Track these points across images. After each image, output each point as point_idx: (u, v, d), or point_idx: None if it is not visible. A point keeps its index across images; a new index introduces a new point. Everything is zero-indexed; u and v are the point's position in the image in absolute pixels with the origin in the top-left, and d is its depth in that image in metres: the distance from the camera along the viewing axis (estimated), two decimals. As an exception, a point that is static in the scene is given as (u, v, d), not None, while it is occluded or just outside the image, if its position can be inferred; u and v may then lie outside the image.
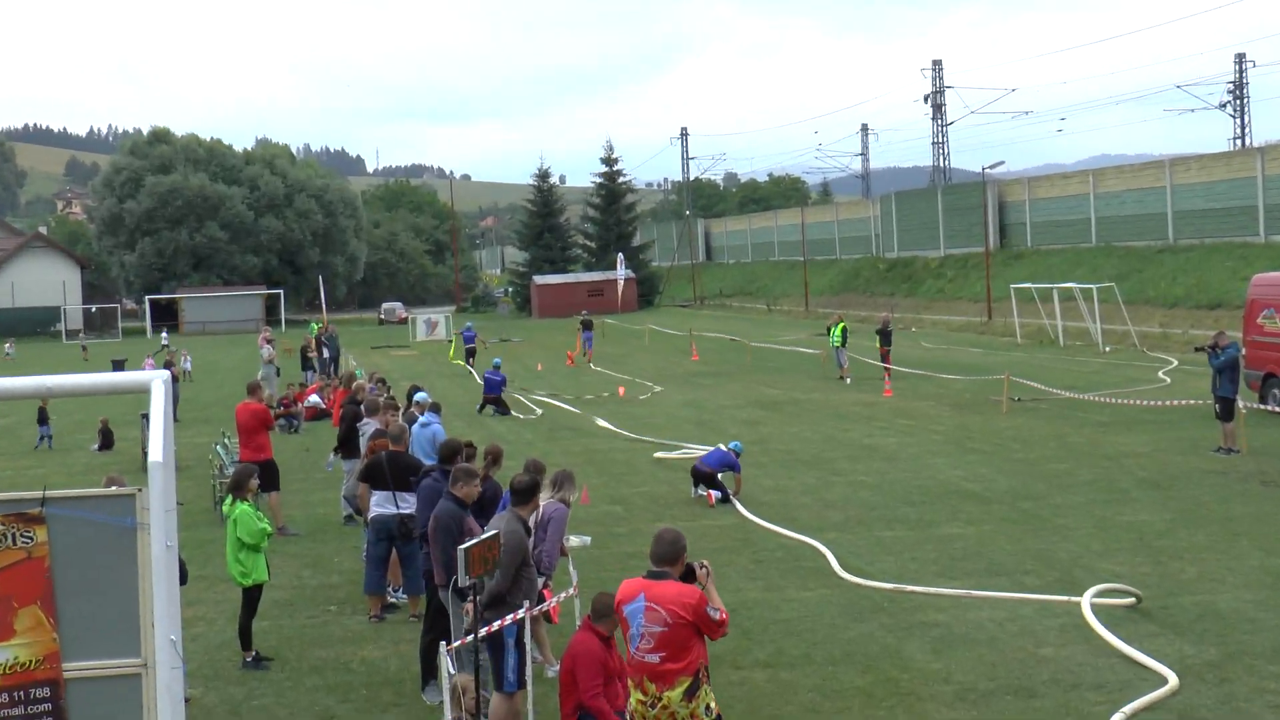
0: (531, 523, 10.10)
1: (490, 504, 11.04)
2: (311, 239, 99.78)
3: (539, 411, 30.87)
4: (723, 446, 19.10)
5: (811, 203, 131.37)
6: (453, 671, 8.51)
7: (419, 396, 17.84)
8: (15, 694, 6.46)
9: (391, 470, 12.59)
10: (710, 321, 72.33)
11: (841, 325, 36.23)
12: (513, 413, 30.44)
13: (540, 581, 10.13)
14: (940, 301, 65.48)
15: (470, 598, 8.90)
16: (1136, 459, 20.57)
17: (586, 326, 49.66)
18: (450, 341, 47.52)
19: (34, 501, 6.58)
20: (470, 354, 45.95)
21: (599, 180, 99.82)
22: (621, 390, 33.30)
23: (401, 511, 12.51)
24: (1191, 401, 24.80)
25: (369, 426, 15.67)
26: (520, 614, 9.06)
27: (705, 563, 7.48)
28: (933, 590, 12.98)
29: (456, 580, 8.91)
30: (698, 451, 22.44)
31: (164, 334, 65.81)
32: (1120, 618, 11.78)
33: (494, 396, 30.70)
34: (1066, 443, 22.54)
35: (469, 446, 12.14)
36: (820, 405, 29.70)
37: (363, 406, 16.43)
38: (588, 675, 8.44)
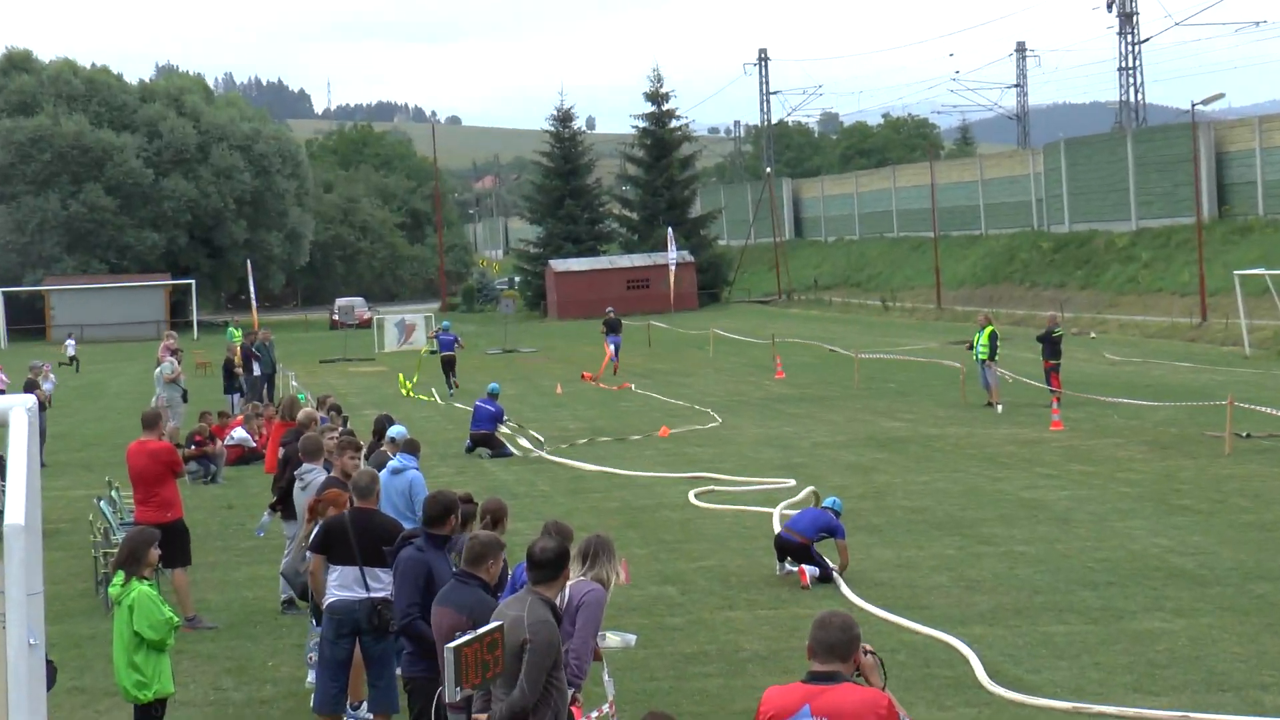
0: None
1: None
2: (236, 207, 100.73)
3: (544, 449, 31.09)
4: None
5: (945, 155, 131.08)
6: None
7: (394, 432, 17.84)
8: None
9: (359, 537, 12.52)
10: (801, 324, 72.17)
11: (989, 330, 36.08)
12: (514, 451, 30.57)
13: (568, 693, 10.04)
14: (1131, 295, 65.00)
15: (468, 715, 8.84)
16: None
17: (612, 329, 49.71)
18: (429, 353, 47.65)
19: None
20: (448, 366, 46.16)
21: (643, 125, 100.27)
22: (665, 430, 33.30)
23: (373, 595, 12.44)
24: None
25: (311, 475, 15.67)
26: (538, 740, 8.98)
27: (870, 648, 7.34)
28: (1128, 711, 12.82)
29: (443, 695, 8.84)
30: (749, 488, 22.72)
31: (69, 340, 65.98)
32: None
33: (485, 435, 30.78)
34: (1319, 498, 22.31)
35: (466, 501, 12.11)
36: (960, 443, 29.58)
37: (299, 447, 16.46)
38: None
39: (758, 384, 44.12)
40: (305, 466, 15.89)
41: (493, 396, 31.62)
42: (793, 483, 25.31)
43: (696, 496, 24.35)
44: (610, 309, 53.61)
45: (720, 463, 28.08)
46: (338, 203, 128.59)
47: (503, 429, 32.12)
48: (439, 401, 42.94)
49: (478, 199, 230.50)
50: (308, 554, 13.26)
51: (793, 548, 18.21)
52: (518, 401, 39.75)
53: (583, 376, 48.16)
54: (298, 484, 15.92)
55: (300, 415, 19.81)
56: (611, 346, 49.66)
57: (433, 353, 47.25)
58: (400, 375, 48.20)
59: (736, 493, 24.73)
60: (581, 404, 40.66)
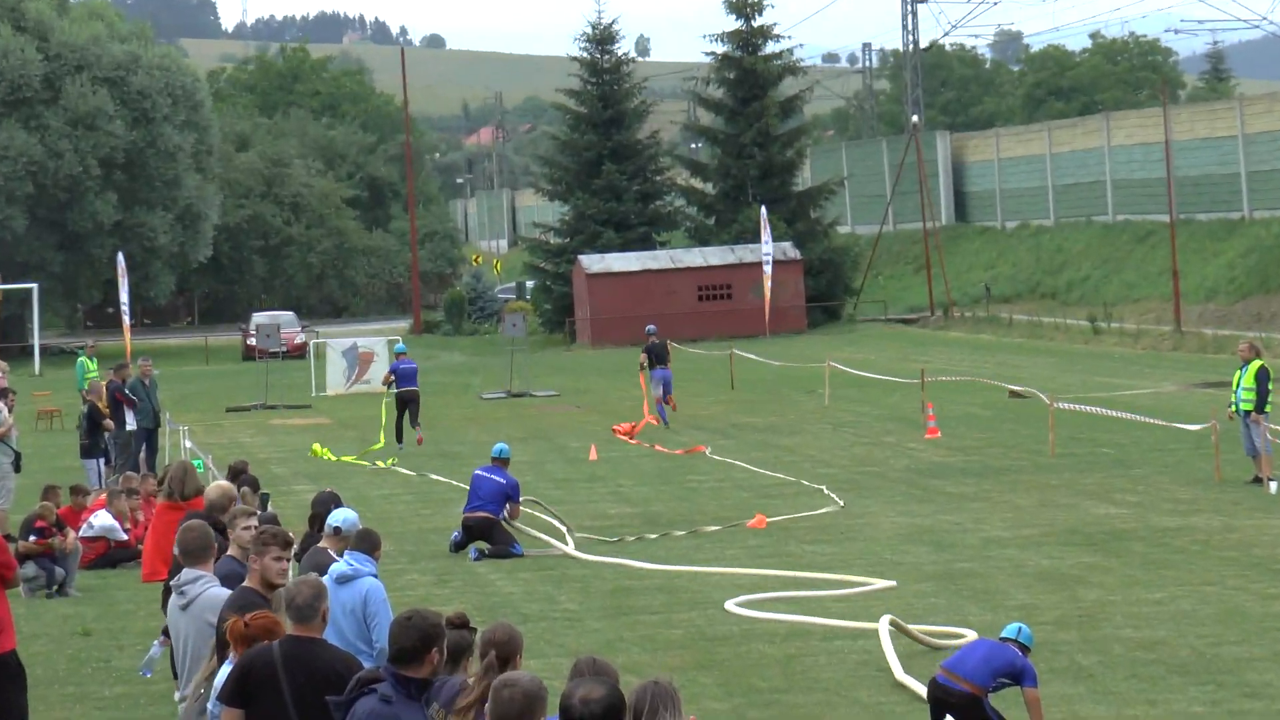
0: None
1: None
2: (102, 173, 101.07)
3: (569, 543, 31.16)
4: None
5: (1187, 97, 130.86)
6: None
7: (340, 519, 17.83)
8: None
9: (294, 680, 12.51)
10: (966, 355, 71.95)
11: (1257, 366, 35.96)
12: (523, 550, 30.60)
13: None
14: None
15: None
16: None
17: (658, 358, 49.80)
18: (392, 392, 47.78)
19: None
20: (408, 407, 46.53)
21: (723, 51, 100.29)
22: (760, 519, 33.17)
23: (314, 772, 12.45)
24: None
25: (198, 588, 15.67)
26: None
27: None
28: None
29: None
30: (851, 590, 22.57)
31: None
32: None
33: (487, 520, 30.56)
34: None
35: (458, 626, 12.07)
36: (1213, 541, 29.45)
37: (177, 542, 16.48)
38: None
39: (899, 447, 44.06)
40: (187, 573, 15.86)
41: (501, 464, 31.15)
42: (892, 584, 25.32)
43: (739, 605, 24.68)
44: (651, 328, 53.49)
45: (842, 565, 28.01)
46: (257, 167, 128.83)
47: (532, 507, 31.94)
48: (400, 469, 42.94)
49: (470, 162, 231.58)
50: (212, 706, 13.25)
51: (956, 700, 18.09)
52: (532, 472, 39.64)
53: (615, 431, 48.22)
54: (174, 599, 15.90)
55: (211, 492, 19.81)
56: (657, 384, 49.61)
57: (391, 388, 47.45)
58: (316, 446, 48.00)
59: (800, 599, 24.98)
60: (629, 476, 40.68)
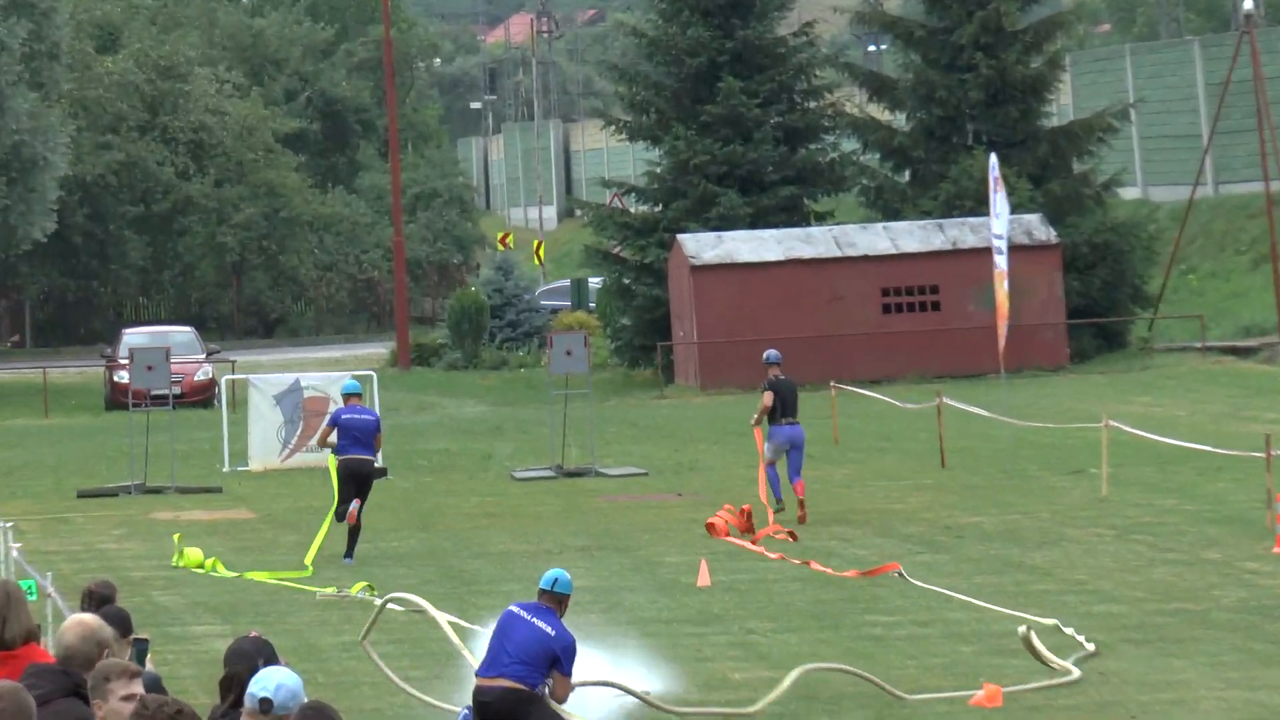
0: None
1: None
2: None
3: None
4: None
5: None
6: None
7: (269, 687, 17.66)
8: None
9: None
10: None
11: None
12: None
13: None
14: None
15: None
16: None
17: (786, 406, 50.78)
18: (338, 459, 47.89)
19: None
20: (359, 488, 47.00)
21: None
22: (993, 692, 32.82)
23: None
24: None
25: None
26: None
27: None
28: None
29: None
30: None
31: None
32: None
33: (516, 694, 30.16)
34: None
35: None
36: None
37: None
38: None
39: (1229, 567, 44.06)
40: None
41: (553, 601, 30.56)
42: None
43: None
44: (773, 355, 53.16)
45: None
46: (134, 80, 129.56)
47: (582, 692, 31.65)
48: (373, 598, 42.85)
49: (493, 75, 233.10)
50: None
51: None
52: (597, 607, 39.51)
53: (709, 528, 48.77)
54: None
55: (67, 634, 19.75)
56: (782, 449, 49.74)
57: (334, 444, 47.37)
58: (180, 544, 47.88)
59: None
60: (766, 614, 40.83)
